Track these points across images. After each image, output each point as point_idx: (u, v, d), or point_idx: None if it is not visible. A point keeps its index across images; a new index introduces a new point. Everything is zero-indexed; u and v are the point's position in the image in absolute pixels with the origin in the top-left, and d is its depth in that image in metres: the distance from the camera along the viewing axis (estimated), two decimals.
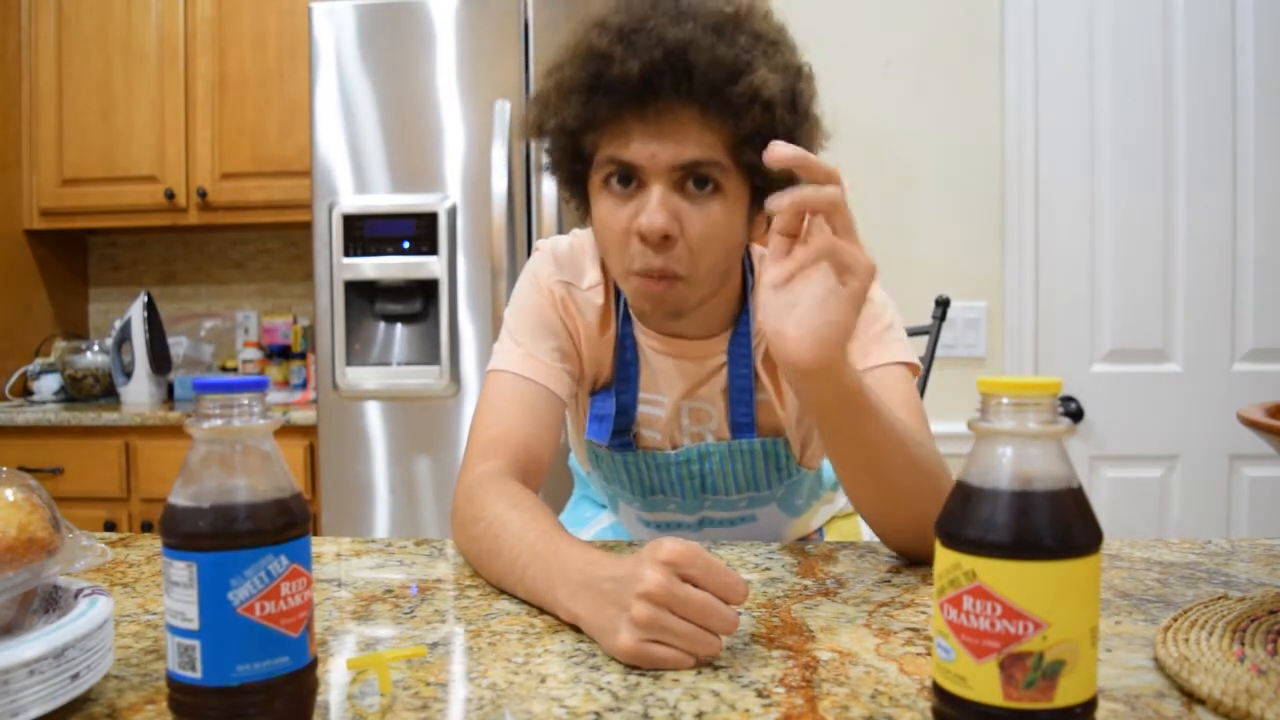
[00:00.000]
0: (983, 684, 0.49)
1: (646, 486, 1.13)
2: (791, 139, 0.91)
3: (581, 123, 0.92)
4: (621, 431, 1.09)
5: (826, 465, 1.27)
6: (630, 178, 0.92)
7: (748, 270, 1.05)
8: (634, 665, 0.64)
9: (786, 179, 0.95)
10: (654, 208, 0.89)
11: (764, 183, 0.93)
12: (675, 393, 1.07)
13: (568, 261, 1.09)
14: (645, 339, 1.07)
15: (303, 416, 2.47)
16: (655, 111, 0.88)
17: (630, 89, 0.87)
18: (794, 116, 0.91)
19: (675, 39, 0.86)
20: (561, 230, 2.17)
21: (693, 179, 0.90)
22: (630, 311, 1.07)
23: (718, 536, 1.18)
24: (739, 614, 0.74)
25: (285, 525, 0.53)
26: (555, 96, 0.94)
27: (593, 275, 1.07)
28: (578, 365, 1.08)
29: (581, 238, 1.11)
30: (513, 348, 1.04)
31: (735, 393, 1.06)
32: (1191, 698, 0.58)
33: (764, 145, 0.90)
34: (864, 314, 1.00)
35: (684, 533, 1.18)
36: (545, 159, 1.02)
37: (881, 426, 0.82)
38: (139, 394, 2.80)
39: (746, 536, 1.18)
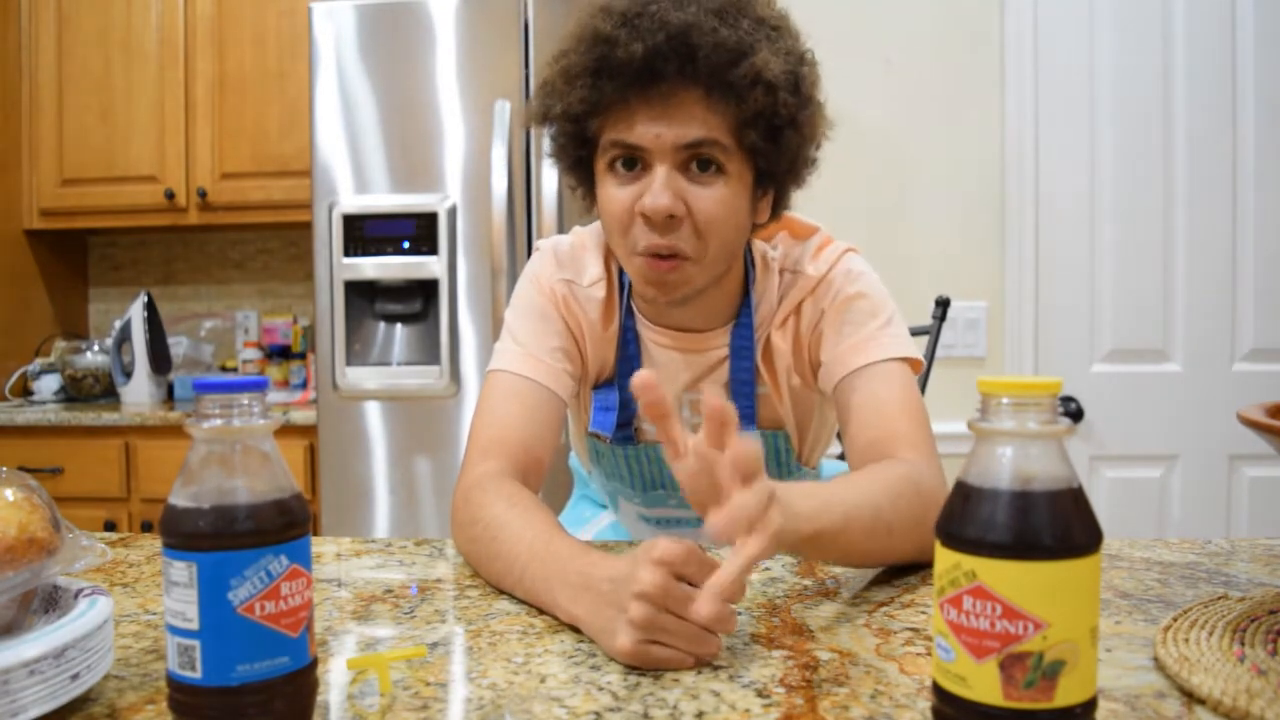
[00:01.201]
0: (983, 684, 0.49)
1: (647, 481, 1.13)
2: (794, 122, 0.92)
3: (587, 106, 0.92)
4: (623, 425, 1.09)
5: (825, 465, 1.27)
6: (635, 161, 0.93)
7: (749, 264, 1.05)
8: (634, 666, 0.64)
9: (789, 164, 0.96)
10: (658, 189, 0.90)
11: (767, 165, 0.94)
12: (677, 386, 1.07)
13: (569, 260, 1.09)
14: (648, 332, 1.07)
15: (303, 416, 2.47)
16: (659, 94, 0.89)
17: (634, 72, 0.88)
18: (796, 99, 0.92)
19: (678, 22, 0.87)
20: (562, 230, 2.17)
21: (696, 161, 0.91)
22: (633, 305, 1.08)
23: None
24: (738, 613, 0.74)
25: (285, 525, 0.53)
26: (560, 82, 0.94)
27: (595, 271, 1.07)
28: (579, 364, 1.08)
29: (583, 235, 1.11)
30: (513, 348, 1.04)
31: (736, 385, 1.06)
32: (1191, 698, 0.58)
33: (767, 128, 0.91)
34: (860, 310, 1.00)
35: (684, 530, 1.18)
36: (548, 146, 1.02)
37: (852, 537, 0.79)
38: (139, 394, 2.80)
39: None
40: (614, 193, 0.94)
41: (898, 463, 0.88)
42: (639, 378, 0.65)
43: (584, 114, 0.93)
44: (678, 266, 0.93)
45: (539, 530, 0.81)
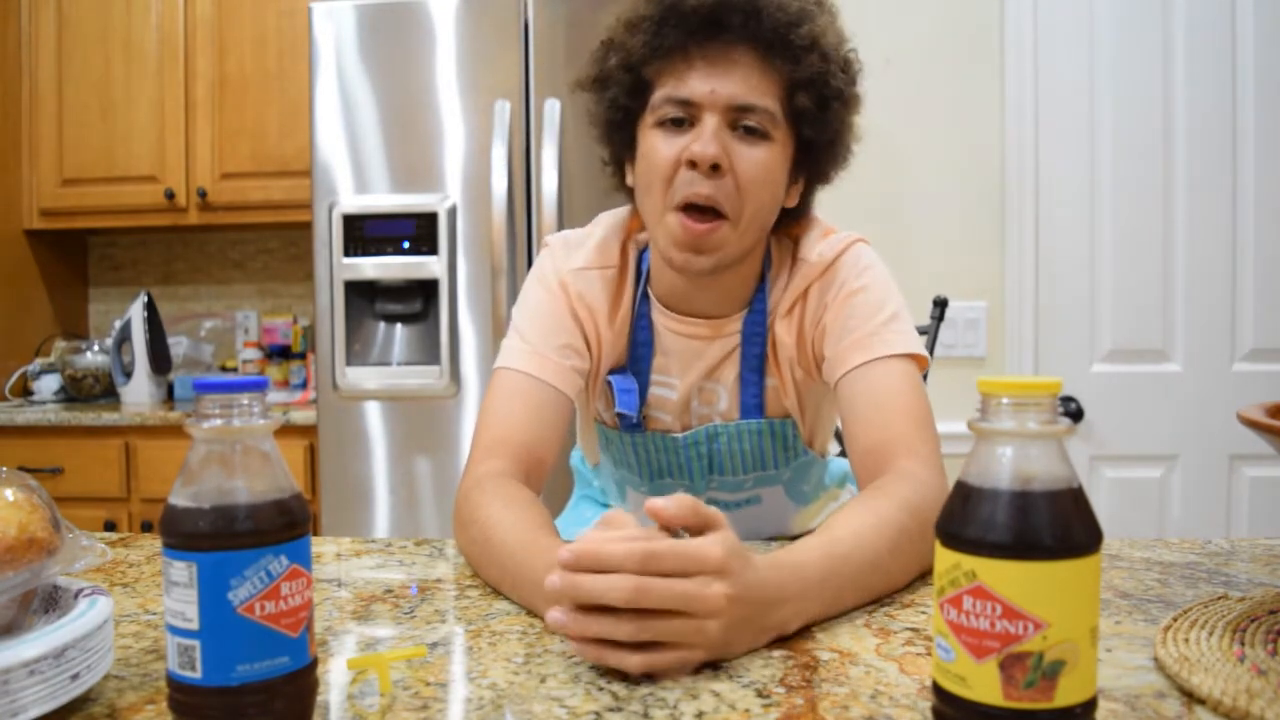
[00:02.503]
0: (983, 684, 0.49)
1: (655, 469, 1.13)
2: (842, 96, 0.97)
3: (647, 51, 0.95)
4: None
5: (834, 461, 1.27)
6: (683, 118, 0.95)
7: (767, 251, 1.06)
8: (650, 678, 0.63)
9: (831, 139, 0.98)
10: (708, 137, 0.92)
11: (812, 134, 0.97)
12: (689, 376, 1.08)
13: (578, 245, 1.09)
14: (662, 319, 1.07)
15: (303, 416, 2.47)
16: (719, 47, 0.93)
17: (700, 21, 0.92)
18: (845, 77, 0.97)
19: None
20: (562, 230, 2.16)
21: (744, 126, 0.94)
22: (649, 291, 1.08)
23: None
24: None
25: (285, 525, 0.53)
26: (622, 32, 0.98)
27: (607, 255, 1.08)
28: (589, 358, 1.08)
29: (599, 220, 1.12)
30: (520, 345, 1.04)
31: (747, 373, 1.06)
32: (1191, 698, 0.58)
33: (818, 96, 0.94)
34: (865, 305, 1.00)
35: None
36: (592, 109, 1.04)
37: (848, 602, 0.76)
38: (139, 394, 2.79)
39: (753, 521, 1.18)
40: (660, 144, 0.96)
41: (896, 483, 0.86)
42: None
43: (642, 60, 0.96)
44: (716, 228, 0.94)
45: (524, 533, 0.80)
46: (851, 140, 1.02)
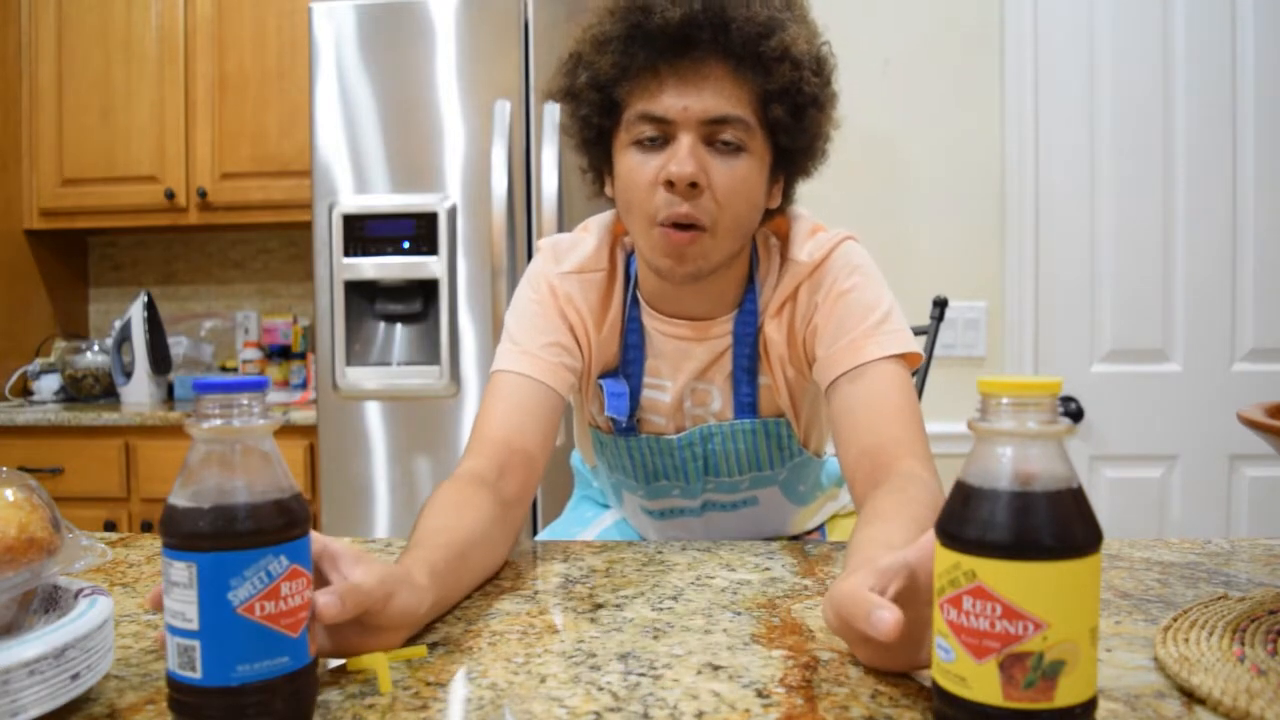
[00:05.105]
0: (983, 684, 0.49)
1: (650, 471, 1.13)
2: (816, 101, 0.95)
3: (617, 72, 0.94)
4: (627, 416, 1.10)
5: (832, 461, 1.27)
6: (658, 136, 0.94)
7: (754, 250, 1.06)
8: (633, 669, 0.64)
9: (808, 143, 0.98)
10: (684, 156, 0.91)
11: (788, 141, 0.96)
12: (681, 377, 1.08)
13: (568, 250, 1.09)
14: (652, 321, 1.07)
15: (303, 416, 2.47)
16: (689, 63, 0.92)
17: (668, 38, 0.91)
18: (819, 80, 0.95)
19: None
20: (562, 230, 2.16)
21: (720, 140, 0.93)
22: (638, 294, 1.08)
23: (721, 521, 1.18)
24: (738, 614, 0.74)
25: (285, 525, 0.53)
26: (590, 50, 0.96)
27: (597, 258, 1.08)
28: (579, 358, 1.08)
29: (588, 224, 1.12)
30: (509, 347, 1.04)
31: (739, 372, 1.06)
32: (1191, 698, 0.58)
33: (791, 105, 0.93)
34: (855, 306, 1.00)
35: (687, 519, 1.19)
36: (565, 121, 1.03)
37: None
38: (139, 394, 2.80)
39: (750, 522, 1.18)
40: (637, 163, 0.95)
41: (913, 486, 0.85)
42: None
43: (612, 80, 0.95)
44: (696, 239, 0.94)
45: (413, 544, 0.78)
46: (829, 134, 1.01)
